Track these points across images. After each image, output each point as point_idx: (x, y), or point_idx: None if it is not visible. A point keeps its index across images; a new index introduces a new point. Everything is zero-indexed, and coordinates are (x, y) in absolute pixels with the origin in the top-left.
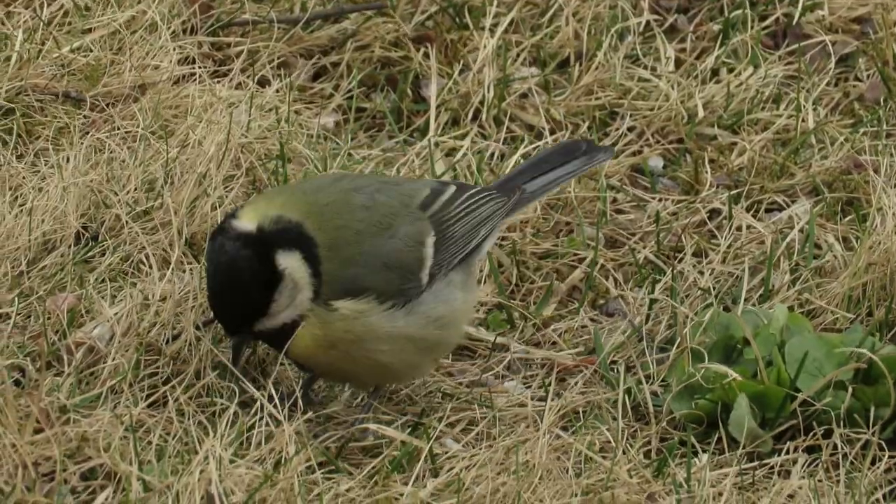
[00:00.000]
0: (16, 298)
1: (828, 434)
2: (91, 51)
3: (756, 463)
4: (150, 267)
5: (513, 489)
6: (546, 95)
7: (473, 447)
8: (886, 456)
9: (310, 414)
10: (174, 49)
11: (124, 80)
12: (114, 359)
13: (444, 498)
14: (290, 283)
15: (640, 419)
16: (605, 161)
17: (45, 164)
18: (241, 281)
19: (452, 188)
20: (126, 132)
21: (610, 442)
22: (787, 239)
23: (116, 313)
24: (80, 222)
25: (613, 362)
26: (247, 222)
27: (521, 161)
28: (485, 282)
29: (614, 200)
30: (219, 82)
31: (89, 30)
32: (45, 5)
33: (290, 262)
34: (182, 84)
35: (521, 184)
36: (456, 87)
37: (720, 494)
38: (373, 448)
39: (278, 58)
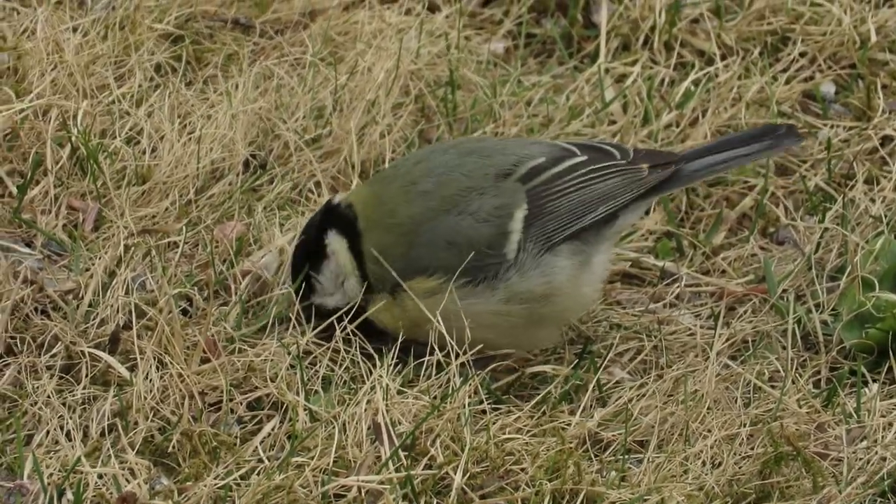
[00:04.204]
0: (184, 227)
1: None
2: None
3: None
4: (320, 195)
5: (681, 419)
6: (717, 20)
7: (641, 377)
8: None
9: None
10: None
11: (294, 7)
12: (281, 288)
13: (612, 428)
14: (333, 264)
15: (810, 348)
16: (791, 146)
17: (214, 92)
18: (299, 244)
19: (578, 157)
20: (295, 59)
21: (779, 371)
22: None
23: (287, 242)
24: (248, 150)
25: (783, 291)
26: (339, 197)
27: (692, 88)
28: (654, 209)
29: None
30: (388, 8)
31: None
32: None
33: (337, 246)
34: (351, 10)
35: (682, 161)
36: (626, 12)
37: (890, 424)
38: (541, 378)
39: None
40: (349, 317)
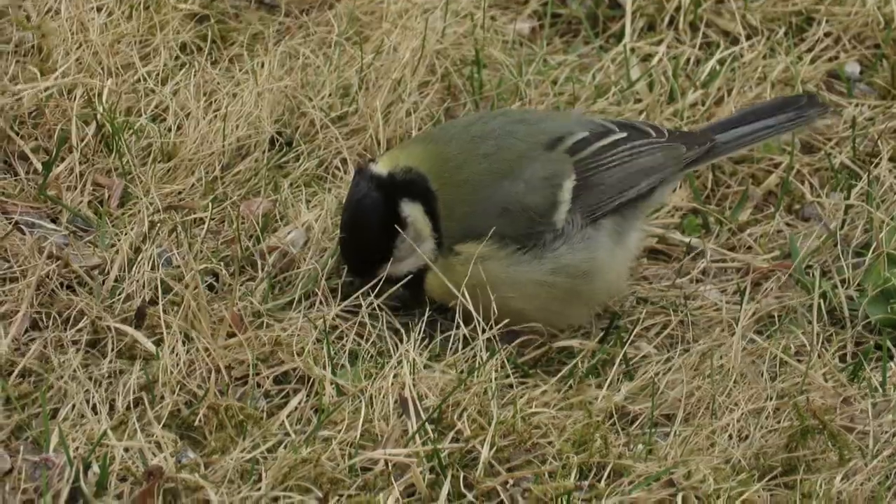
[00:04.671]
0: (210, 203)
1: None
2: None
3: None
4: (346, 172)
5: (707, 393)
6: (742, 1)
7: (668, 351)
8: None
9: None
10: None
11: None
12: (308, 263)
13: (639, 402)
14: (412, 231)
15: (836, 323)
16: (816, 117)
17: (240, 71)
18: (367, 221)
19: (618, 134)
20: (321, 38)
21: (805, 346)
22: None
23: (313, 218)
24: (274, 128)
25: (809, 267)
26: (381, 168)
27: (718, 67)
28: (680, 186)
29: None
30: None
31: None
32: None
33: (414, 212)
34: None
35: (713, 134)
36: None
37: None
38: (568, 352)
39: None
40: (375, 291)
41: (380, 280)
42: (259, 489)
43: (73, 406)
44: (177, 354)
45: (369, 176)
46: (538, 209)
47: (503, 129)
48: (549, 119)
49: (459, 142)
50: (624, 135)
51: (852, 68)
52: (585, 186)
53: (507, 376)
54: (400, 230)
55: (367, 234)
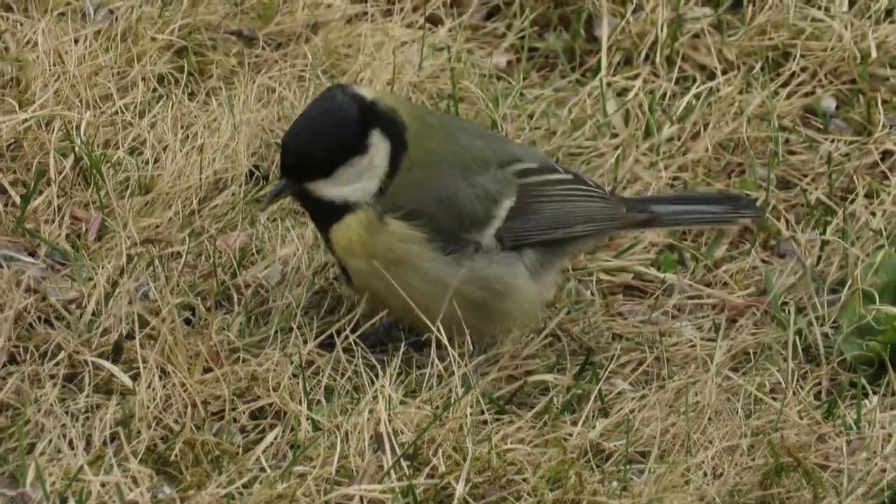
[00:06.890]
0: (187, 237)
1: None
2: None
3: None
4: None
5: (682, 430)
6: (719, 35)
7: (643, 387)
8: None
9: (481, 357)
10: None
11: (297, 19)
12: (284, 298)
13: (614, 438)
14: (367, 161)
15: (811, 360)
16: (747, 219)
17: (217, 103)
18: (331, 123)
19: (563, 174)
20: (299, 71)
21: (780, 383)
22: None
23: (290, 253)
24: (251, 161)
25: (784, 303)
26: (367, 93)
27: (694, 102)
28: None
29: (786, 141)
30: (391, 21)
31: None
32: None
33: (379, 147)
34: (354, 23)
35: (652, 205)
36: (628, 26)
37: (890, 436)
38: (543, 388)
39: None
40: (351, 326)
41: (303, 194)
42: None
43: (50, 440)
44: (153, 389)
45: (351, 93)
46: (471, 217)
47: (476, 133)
48: (507, 142)
49: (443, 127)
50: (569, 176)
51: (828, 103)
52: (523, 210)
53: (483, 412)
54: (362, 152)
55: (323, 136)
